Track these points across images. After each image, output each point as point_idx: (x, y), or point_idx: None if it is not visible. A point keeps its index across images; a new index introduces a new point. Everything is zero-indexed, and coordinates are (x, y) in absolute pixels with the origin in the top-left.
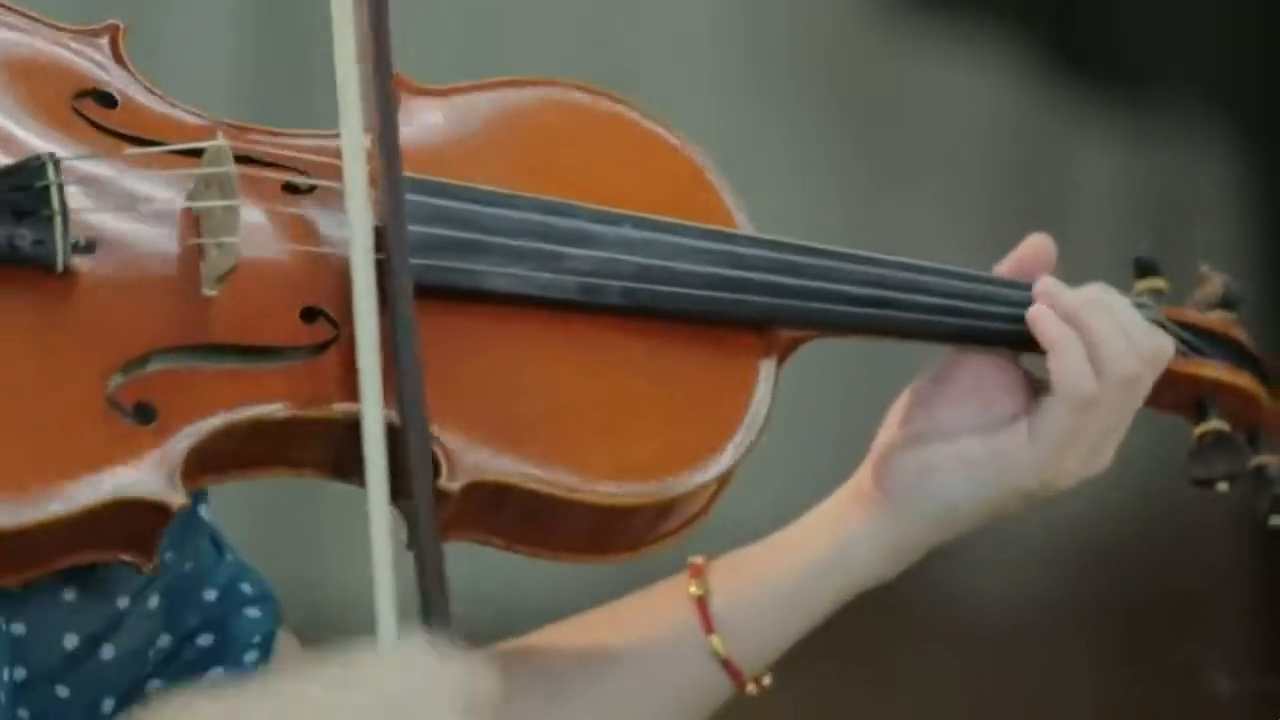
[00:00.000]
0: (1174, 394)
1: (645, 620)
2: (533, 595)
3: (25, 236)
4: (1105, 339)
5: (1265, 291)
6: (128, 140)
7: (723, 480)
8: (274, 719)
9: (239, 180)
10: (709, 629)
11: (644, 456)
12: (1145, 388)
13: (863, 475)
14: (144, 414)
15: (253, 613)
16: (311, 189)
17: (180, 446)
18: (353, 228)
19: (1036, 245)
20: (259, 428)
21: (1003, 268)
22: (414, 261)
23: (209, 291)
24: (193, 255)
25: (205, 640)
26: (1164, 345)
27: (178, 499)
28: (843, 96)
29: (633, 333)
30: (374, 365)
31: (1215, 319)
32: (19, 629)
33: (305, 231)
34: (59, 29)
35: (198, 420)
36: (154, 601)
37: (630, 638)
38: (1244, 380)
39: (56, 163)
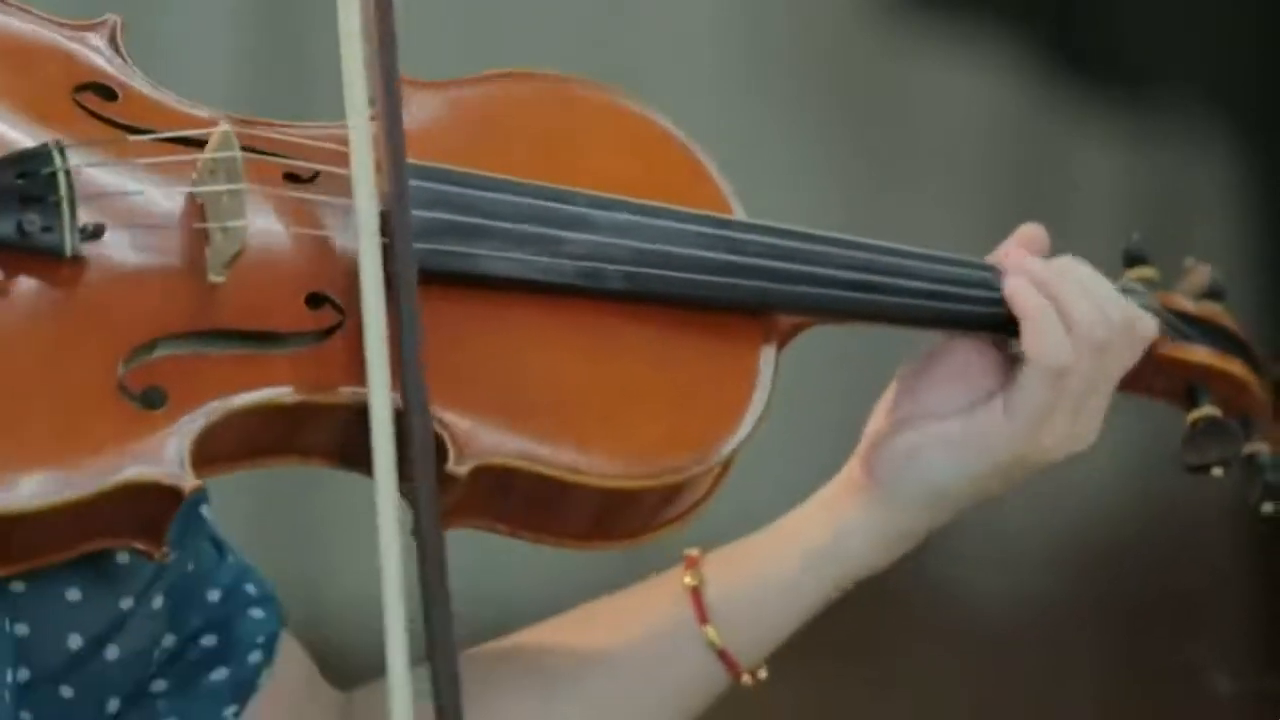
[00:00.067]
0: (1166, 381)
1: (640, 613)
2: (533, 588)
3: (34, 222)
4: (1075, 305)
5: (1265, 291)
6: (130, 131)
7: (724, 466)
8: None
9: (243, 163)
10: (703, 619)
11: (646, 441)
12: (1117, 359)
13: (853, 464)
14: (153, 398)
15: (256, 613)
16: (313, 176)
17: (190, 430)
18: (359, 210)
19: (1028, 234)
20: (266, 413)
21: (995, 257)
22: (415, 246)
23: (215, 278)
24: (199, 241)
25: (209, 641)
26: (1138, 316)
27: (189, 482)
28: (843, 96)
29: (633, 318)
30: (380, 349)
31: (1205, 307)
32: (22, 629)
33: (308, 218)
34: (59, 23)
35: (206, 404)
36: (158, 601)
37: (626, 631)
38: (1234, 366)
39: (62, 149)
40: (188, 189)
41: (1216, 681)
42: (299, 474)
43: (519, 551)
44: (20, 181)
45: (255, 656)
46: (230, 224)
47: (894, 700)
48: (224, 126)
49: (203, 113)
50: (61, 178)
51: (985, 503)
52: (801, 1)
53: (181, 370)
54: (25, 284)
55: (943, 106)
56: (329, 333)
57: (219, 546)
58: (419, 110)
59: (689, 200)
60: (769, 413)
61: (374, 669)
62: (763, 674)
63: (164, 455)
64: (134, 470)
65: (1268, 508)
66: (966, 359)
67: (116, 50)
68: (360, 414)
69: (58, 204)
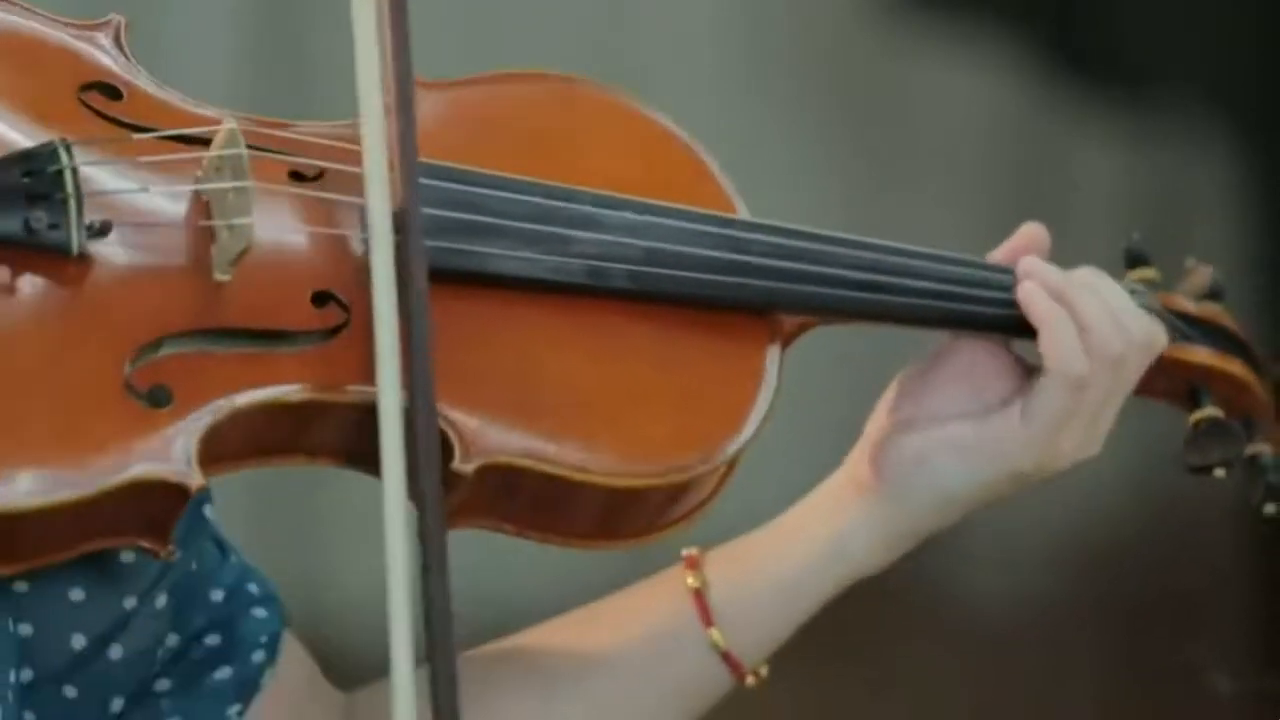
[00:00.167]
0: (1167, 381)
1: (642, 614)
2: (534, 588)
3: (41, 219)
4: (1092, 318)
5: (1265, 291)
6: (135, 130)
7: (730, 465)
8: None
9: (249, 161)
10: (708, 622)
11: (652, 440)
12: (1133, 371)
13: (858, 464)
14: (159, 397)
15: (259, 613)
16: (318, 175)
17: (196, 429)
18: (371, 210)
19: (1030, 233)
20: (272, 411)
21: (997, 255)
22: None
23: (221, 276)
24: (205, 239)
25: (213, 640)
26: (1155, 331)
27: (195, 480)
28: (843, 96)
29: (639, 318)
30: (392, 348)
31: (1206, 308)
32: (26, 630)
33: (314, 216)
34: (63, 23)
35: (212, 403)
36: (161, 601)
37: (627, 632)
38: (1235, 367)
39: (69, 147)
40: (193, 187)
41: (1216, 681)
42: (300, 473)
43: (521, 551)
44: (26, 180)
45: (258, 656)
46: (236, 221)
47: (894, 700)
48: (230, 124)
49: (208, 111)
50: (68, 175)
51: (994, 503)
52: (801, 1)
53: (187, 369)
54: (31, 282)
55: (943, 106)
56: (335, 331)
57: (221, 546)
58: (426, 110)
59: (693, 200)
60: (774, 412)
61: (375, 669)
62: (763, 672)
63: (170, 453)
64: (140, 468)
65: (1270, 509)
66: (973, 359)
67: (121, 49)
68: (367, 413)
69: (64, 201)
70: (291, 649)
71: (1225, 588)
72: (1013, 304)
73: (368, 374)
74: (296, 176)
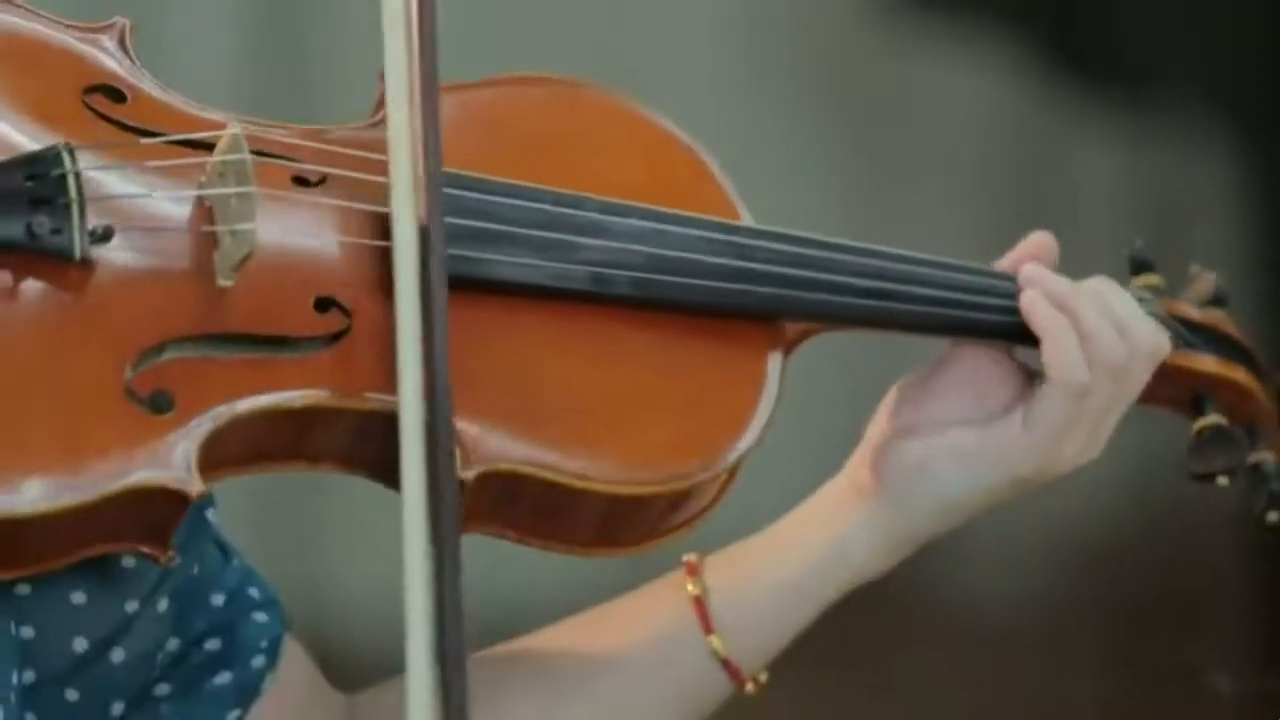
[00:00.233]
0: (1171, 389)
1: (645, 619)
2: (539, 590)
3: (44, 224)
4: (1094, 327)
5: (1265, 291)
6: (139, 133)
7: (731, 472)
8: None
9: (253, 166)
10: (708, 630)
11: (654, 447)
12: (1137, 379)
13: (859, 469)
14: (160, 402)
15: (260, 617)
16: (321, 180)
17: (197, 435)
18: (396, 225)
19: (1038, 242)
20: (274, 418)
21: (1004, 262)
22: None
23: (223, 281)
24: (208, 244)
25: (213, 645)
26: (1159, 339)
27: (195, 487)
28: (843, 96)
29: (642, 325)
30: (413, 358)
31: (1209, 315)
32: (28, 632)
33: (317, 222)
34: (68, 25)
35: (213, 409)
36: (163, 604)
37: (632, 637)
38: (1239, 374)
39: (72, 151)
40: (197, 192)
41: (1216, 682)
42: (301, 476)
43: (527, 553)
44: (29, 184)
45: (259, 660)
46: (239, 227)
47: (893, 701)
48: (234, 129)
49: (212, 115)
50: (71, 180)
51: (995, 509)
52: (801, 1)
53: (189, 374)
54: (33, 286)
55: (943, 106)
56: (337, 337)
57: (223, 549)
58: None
59: (697, 206)
60: (776, 419)
61: (376, 669)
62: (762, 678)
63: (171, 460)
64: (141, 475)
65: (1273, 517)
66: (975, 366)
67: (126, 52)
68: (370, 419)
69: (67, 206)
70: (293, 652)
71: (1225, 588)
72: (1016, 311)
73: (371, 381)
74: (300, 181)
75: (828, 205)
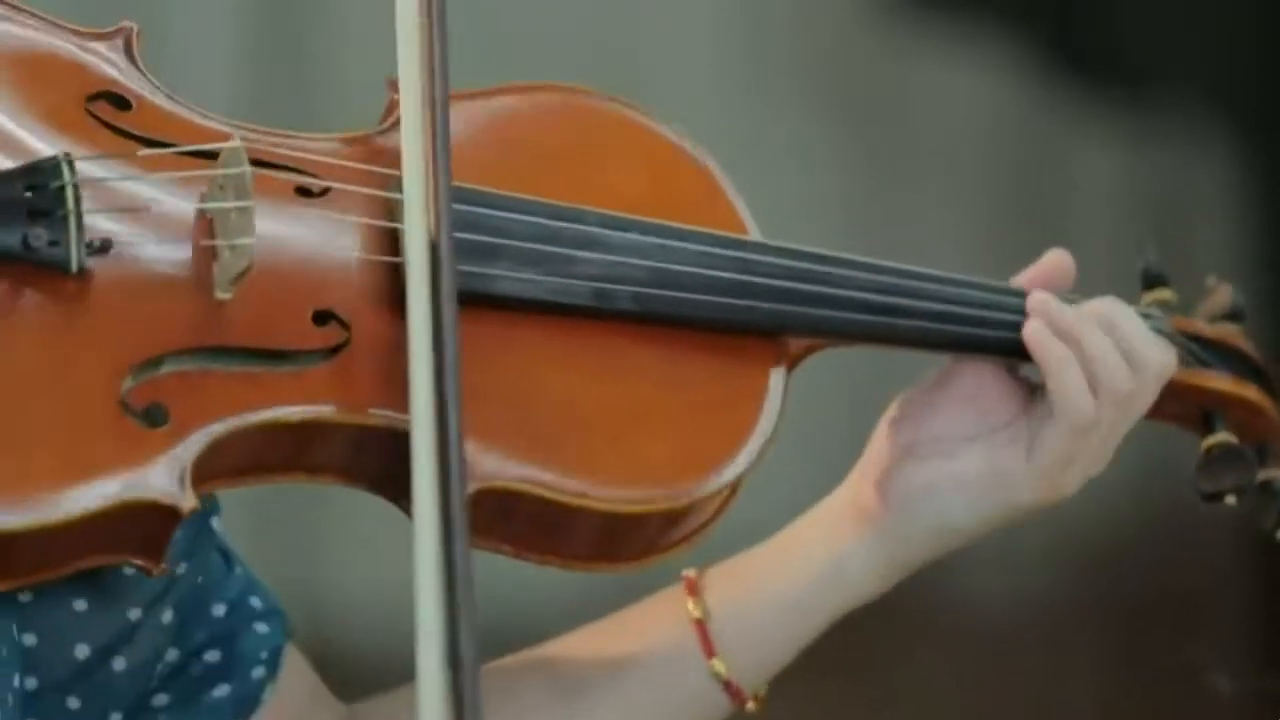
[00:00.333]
0: (1180, 406)
1: (645, 641)
2: (548, 595)
3: (41, 236)
4: (1100, 359)
5: (1265, 291)
6: (141, 142)
7: (732, 489)
8: None
9: (253, 179)
10: (710, 653)
11: (653, 464)
12: (1142, 404)
13: (861, 487)
14: (155, 416)
15: (261, 628)
16: (324, 191)
17: (191, 449)
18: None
19: (1055, 261)
20: (271, 431)
21: (1020, 280)
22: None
23: (222, 294)
24: (207, 257)
25: (212, 656)
26: (1167, 360)
27: (188, 502)
28: (843, 96)
29: (643, 340)
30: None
31: (1222, 330)
32: (30, 639)
33: (318, 235)
34: (73, 31)
35: (209, 423)
36: (168, 616)
37: (631, 658)
38: (1251, 392)
39: (71, 163)
40: (197, 205)
41: (1216, 681)
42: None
43: (528, 566)
44: (28, 194)
45: (259, 672)
46: (238, 242)
47: (893, 699)
48: (234, 142)
49: (217, 125)
50: (69, 191)
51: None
52: (802, 2)
53: (185, 388)
54: (30, 297)
55: (943, 106)
56: (336, 350)
57: (227, 558)
58: None
59: (704, 219)
60: (778, 435)
61: (375, 674)
62: (762, 693)
63: (164, 475)
64: (133, 490)
65: None
66: (978, 382)
67: (131, 59)
68: (369, 433)
69: (65, 218)
70: (293, 662)
71: (1225, 588)
72: (1021, 329)
73: (370, 395)
74: (303, 192)
75: (828, 205)
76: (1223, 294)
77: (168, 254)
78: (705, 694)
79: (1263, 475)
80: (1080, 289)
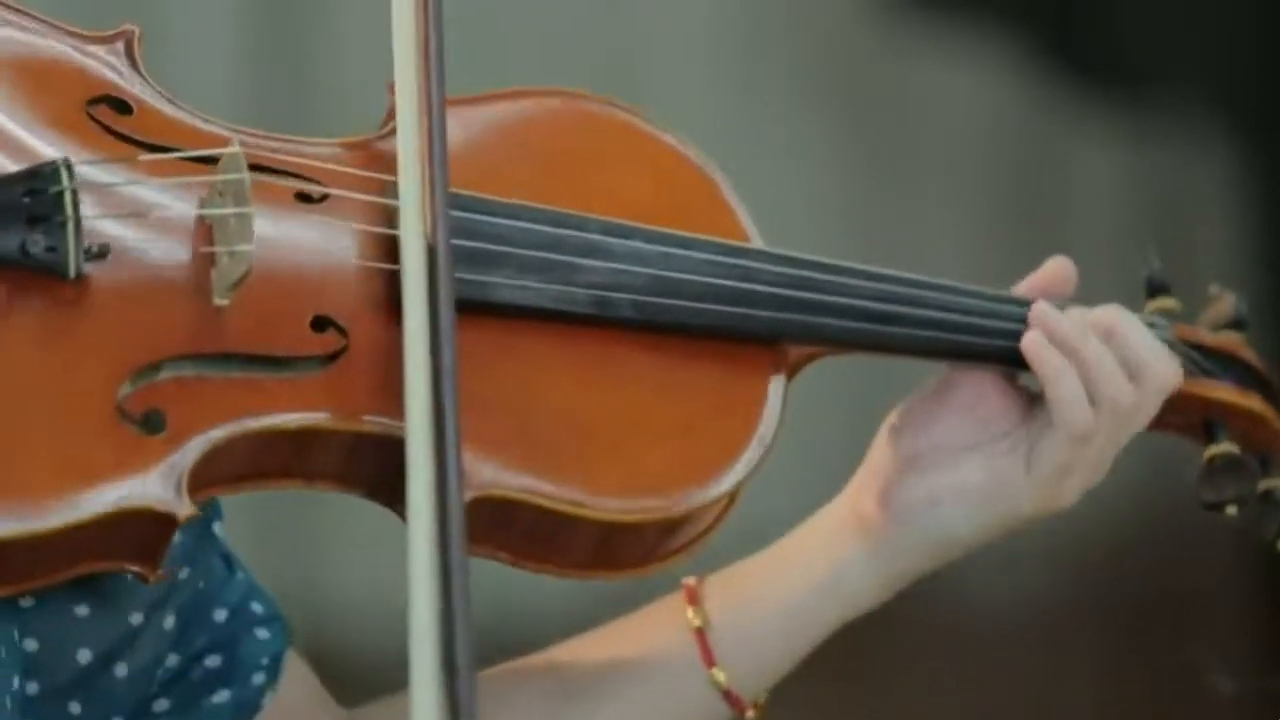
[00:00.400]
0: (1182, 416)
1: (645, 648)
2: (550, 601)
3: (38, 242)
4: (1099, 370)
5: (1265, 291)
6: (142, 146)
7: (731, 497)
8: None
9: (252, 186)
10: (710, 662)
11: (651, 473)
12: (1144, 414)
13: (862, 497)
14: (153, 423)
15: (262, 634)
16: (323, 197)
17: (188, 456)
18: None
19: (1056, 268)
20: (268, 438)
21: (1022, 287)
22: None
23: (220, 300)
24: (205, 263)
25: (213, 662)
26: (1171, 371)
27: (184, 510)
28: (843, 96)
29: (643, 347)
30: (422, 390)
31: (1225, 339)
32: (31, 645)
33: (317, 241)
34: (74, 34)
35: (207, 430)
36: (169, 621)
37: (631, 666)
38: (1254, 402)
39: (70, 168)
40: (196, 211)
41: (1217, 681)
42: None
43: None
44: (27, 200)
45: (259, 678)
46: (237, 248)
47: (892, 699)
48: (234, 148)
49: (217, 129)
50: (68, 197)
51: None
52: (801, 1)
53: (183, 394)
54: (27, 303)
55: (943, 106)
56: (334, 357)
57: (229, 562)
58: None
59: (705, 226)
60: (777, 443)
61: (375, 676)
62: (762, 700)
63: (160, 482)
64: (129, 497)
65: None
66: (978, 391)
67: (133, 63)
68: (367, 440)
69: (63, 224)
70: (294, 666)
71: (1225, 588)
72: (1020, 339)
73: (369, 402)
74: (303, 198)
75: (828, 205)
76: (1226, 302)
77: (166, 260)
78: (704, 702)
79: (1264, 485)
80: (1080, 289)
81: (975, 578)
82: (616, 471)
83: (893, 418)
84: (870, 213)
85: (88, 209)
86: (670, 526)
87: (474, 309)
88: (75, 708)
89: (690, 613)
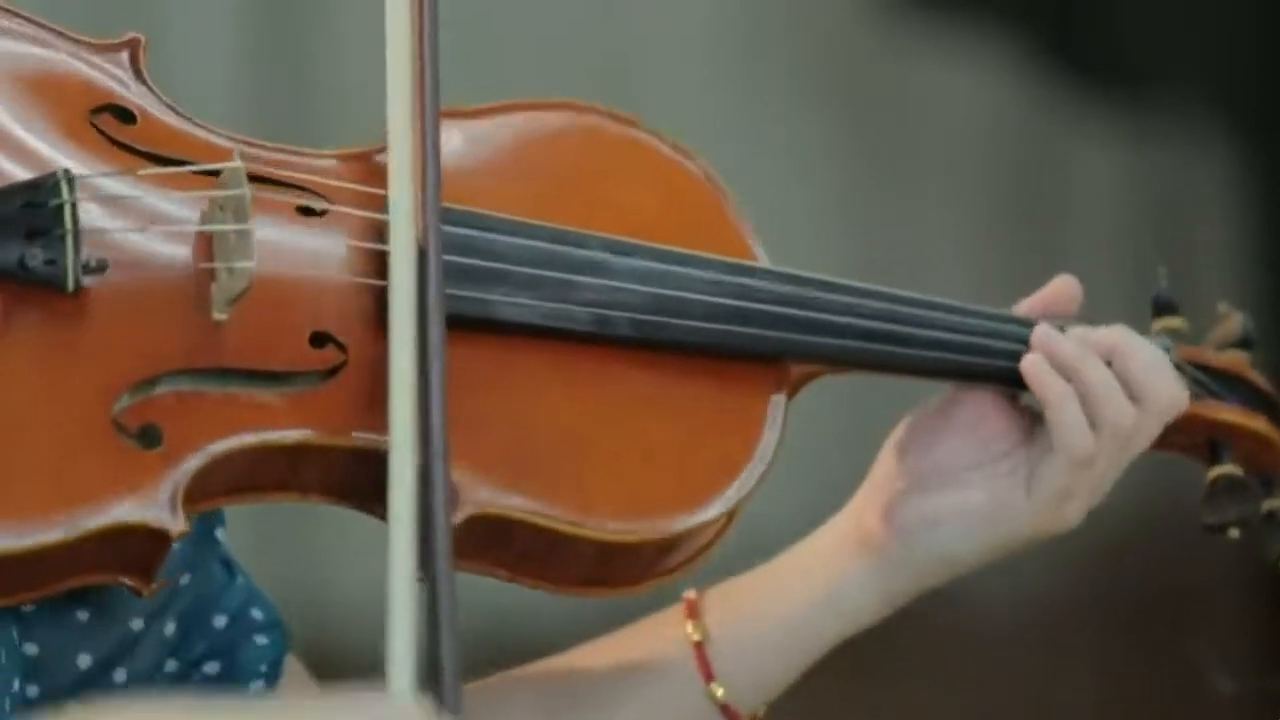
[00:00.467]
0: (1186, 437)
1: (644, 661)
2: (547, 616)
3: (37, 256)
4: (1099, 393)
5: (1265, 291)
6: (144, 157)
7: (729, 516)
8: None
9: (253, 202)
10: (709, 677)
11: (649, 493)
12: (1146, 436)
13: (865, 515)
14: (149, 437)
15: (261, 640)
16: (325, 212)
17: (184, 472)
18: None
19: (1061, 287)
20: (265, 454)
21: (1026, 305)
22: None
23: (219, 315)
24: (204, 278)
25: (212, 668)
26: (1176, 395)
27: (178, 526)
28: (843, 96)
29: (642, 366)
30: (407, 401)
31: (1231, 359)
32: (32, 649)
33: (317, 256)
34: (79, 42)
35: (203, 445)
36: (170, 627)
37: (629, 678)
38: (1260, 424)
39: (70, 181)
40: (195, 228)
41: (1217, 681)
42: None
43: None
44: (26, 212)
45: (257, 684)
46: (237, 265)
47: (892, 699)
48: (235, 163)
49: (221, 141)
50: (67, 210)
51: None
52: (801, 1)
53: (181, 408)
54: (25, 316)
55: (943, 106)
56: (332, 373)
57: (229, 568)
58: (441, 142)
59: (710, 242)
60: (777, 462)
61: (375, 678)
62: (761, 712)
63: (155, 498)
64: (123, 513)
65: None
66: (980, 412)
67: (137, 71)
68: (362, 456)
69: (63, 237)
70: (293, 671)
71: (1225, 587)
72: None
73: (367, 418)
74: (304, 212)
75: (827, 205)
76: (1234, 321)
77: (166, 274)
78: (702, 715)
79: (1268, 505)
80: (1080, 290)
81: (975, 576)
82: (614, 491)
83: (897, 434)
84: (870, 213)
85: (87, 222)
86: (667, 546)
87: (471, 326)
88: None
89: (690, 627)
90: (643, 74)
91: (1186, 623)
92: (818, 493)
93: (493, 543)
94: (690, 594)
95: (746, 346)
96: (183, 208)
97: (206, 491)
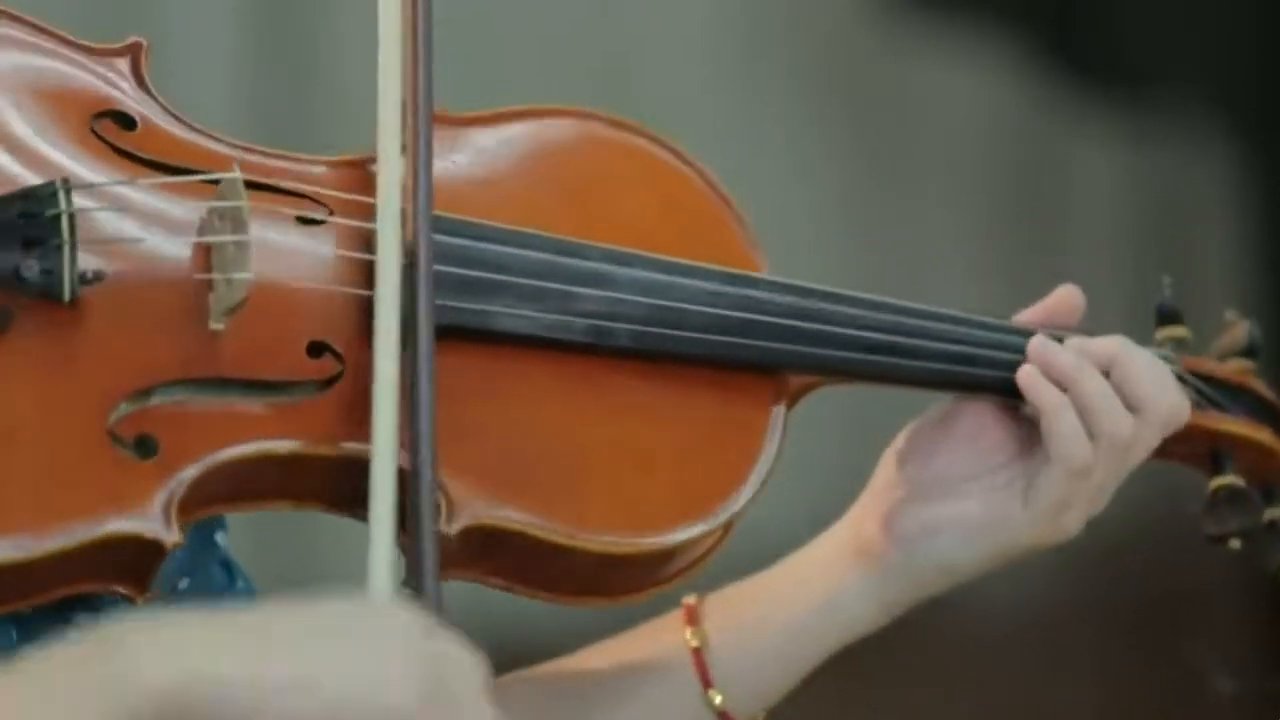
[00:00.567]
0: (1188, 447)
1: (643, 667)
2: (546, 621)
3: (33, 266)
4: (1096, 404)
5: (1265, 291)
6: (144, 164)
7: (726, 527)
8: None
9: (252, 210)
10: (708, 684)
11: (647, 505)
12: (1145, 447)
13: (865, 524)
14: (145, 447)
15: None
16: (324, 221)
17: (180, 482)
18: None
19: (1063, 297)
20: (261, 463)
21: (1027, 316)
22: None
23: (216, 325)
24: (202, 288)
25: None
26: (1178, 406)
27: (172, 537)
28: (843, 96)
29: (642, 377)
30: (390, 407)
31: (1235, 369)
32: (29, 651)
33: (315, 265)
34: (81, 47)
35: (200, 456)
36: None
37: (627, 681)
38: (1263, 435)
39: (68, 190)
40: (194, 237)
41: (1217, 682)
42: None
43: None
44: (23, 221)
45: None
46: (235, 276)
47: (893, 700)
48: (233, 174)
49: (222, 149)
50: (64, 220)
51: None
52: (801, 1)
53: (177, 418)
54: (22, 327)
55: (943, 106)
56: (330, 383)
57: (230, 571)
58: (439, 149)
59: (712, 252)
60: (775, 472)
61: None
62: (760, 717)
63: (150, 509)
64: (117, 524)
65: None
66: (979, 422)
67: (139, 77)
68: (359, 466)
69: (59, 247)
70: None
71: (1226, 588)
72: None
73: (362, 427)
74: (303, 221)
75: (828, 205)
76: (1239, 330)
77: (163, 284)
78: None
79: (1269, 515)
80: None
81: (976, 580)
82: (611, 503)
83: (898, 443)
84: (870, 213)
85: (84, 232)
86: (665, 557)
87: (471, 337)
88: None
89: (689, 633)
90: (643, 74)
91: (1186, 625)
92: (818, 500)
93: (489, 552)
94: (690, 600)
95: (747, 358)
96: (181, 218)
97: (203, 500)
